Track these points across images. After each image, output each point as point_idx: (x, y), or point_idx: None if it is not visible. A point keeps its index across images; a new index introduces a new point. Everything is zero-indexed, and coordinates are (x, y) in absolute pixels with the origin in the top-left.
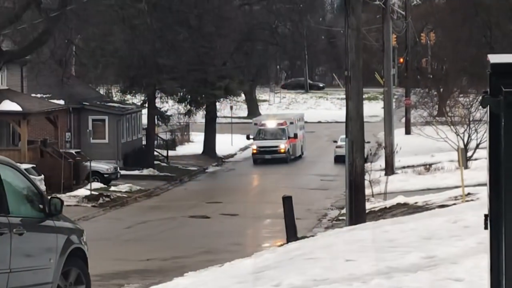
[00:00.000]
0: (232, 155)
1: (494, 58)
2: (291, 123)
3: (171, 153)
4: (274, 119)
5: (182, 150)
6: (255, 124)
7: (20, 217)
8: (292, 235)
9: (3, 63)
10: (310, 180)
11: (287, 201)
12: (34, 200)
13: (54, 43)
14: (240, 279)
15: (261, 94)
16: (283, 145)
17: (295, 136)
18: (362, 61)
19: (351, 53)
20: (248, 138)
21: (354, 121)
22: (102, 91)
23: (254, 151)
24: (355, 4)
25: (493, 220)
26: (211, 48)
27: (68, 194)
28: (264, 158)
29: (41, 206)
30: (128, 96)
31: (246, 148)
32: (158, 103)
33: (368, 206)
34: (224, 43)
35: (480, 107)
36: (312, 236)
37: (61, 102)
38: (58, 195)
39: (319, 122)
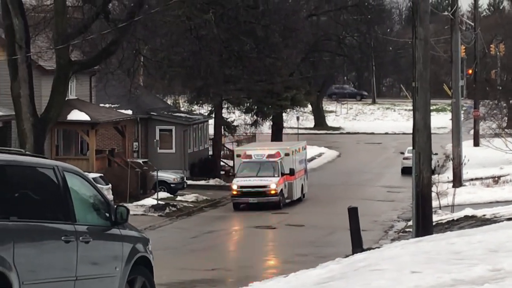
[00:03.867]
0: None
1: None
2: (287, 154)
3: None
4: (263, 149)
5: None
6: (238, 155)
7: (87, 225)
8: (357, 246)
9: (72, 73)
10: (377, 191)
11: (353, 212)
12: (101, 208)
13: (123, 54)
14: None
15: (328, 105)
16: (273, 184)
17: (291, 172)
18: (429, 72)
19: (419, 64)
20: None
21: (421, 132)
22: (169, 101)
23: (234, 193)
24: (423, 15)
25: None
26: (277, 59)
27: (135, 203)
28: (248, 201)
29: (107, 214)
30: (195, 107)
31: (312, 159)
32: (224, 114)
33: (435, 218)
34: (291, 54)
35: None
36: (378, 247)
37: (129, 112)
38: (125, 204)
39: (386, 133)
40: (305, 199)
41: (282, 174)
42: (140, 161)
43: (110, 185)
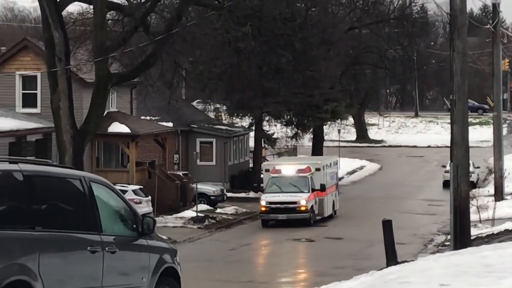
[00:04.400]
0: (339, 179)
1: None
2: (318, 169)
3: None
4: (293, 164)
5: None
6: (267, 170)
7: (113, 236)
8: (391, 259)
9: (111, 86)
10: (418, 204)
11: (387, 225)
12: (127, 219)
13: (162, 66)
14: None
15: (370, 118)
16: (304, 200)
17: (323, 188)
18: (467, 84)
19: (456, 77)
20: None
21: (459, 145)
22: (211, 115)
23: (263, 209)
24: (461, 28)
25: None
26: (316, 71)
27: (174, 215)
28: (278, 218)
29: (134, 225)
30: (237, 119)
31: (353, 171)
32: (266, 126)
33: (475, 232)
34: (330, 67)
35: None
36: (412, 260)
37: (170, 124)
38: (165, 216)
39: (429, 146)
40: (344, 212)
41: (313, 190)
42: (180, 173)
43: (149, 197)
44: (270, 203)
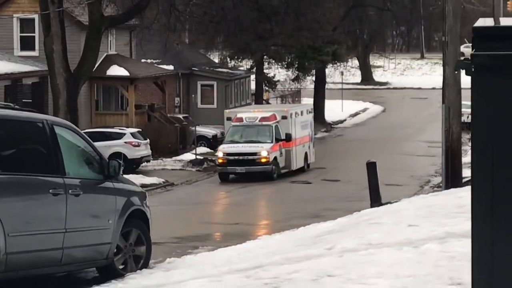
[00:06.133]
0: (341, 121)
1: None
2: (284, 117)
3: None
4: (257, 112)
5: None
6: (228, 119)
7: (78, 179)
8: (375, 200)
9: (105, 29)
10: (418, 146)
11: (371, 167)
12: (93, 162)
13: (158, 9)
14: (300, 243)
15: (376, 60)
16: (264, 151)
17: (288, 138)
18: (460, 26)
19: (449, 18)
20: None
21: (451, 87)
22: (216, 59)
23: (220, 161)
24: None
25: None
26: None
27: (174, 158)
28: (235, 171)
29: (100, 168)
30: (241, 62)
31: (356, 114)
32: (266, 69)
33: (469, 173)
34: (333, 9)
35: None
36: (396, 201)
37: (171, 67)
38: (164, 159)
39: (434, 88)
40: (344, 154)
41: (278, 140)
42: (181, 116)
43: (148, 140)
44: (228, 154)
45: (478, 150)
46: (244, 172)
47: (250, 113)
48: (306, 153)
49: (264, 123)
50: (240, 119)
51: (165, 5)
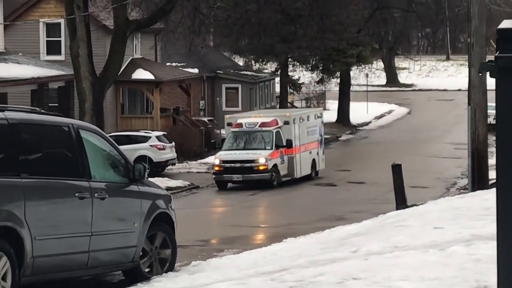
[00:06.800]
0: (366, 123)
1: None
2: (286, 123)
3: None
4: (258, 117)
5: None
6: (229, 124)
7: (103, 182)
8: (401, 202)
9: (130, 33)
10: (443, 148)
11: (396, 169)
12: (118, 165)
13: (183, 12)
14: (325, 246)
15: (401, 62)
16: (262, 158)
17: (289, 144)
18: (485, 27)
19: (474, 20)
20: None
21: (477, 88)
22: (240, 62)
23: (216, 169)
24: None
25: None
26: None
27: (199, 161)
28: (232, 179)
29: (125, 172)
30: (262, 65)
31: (381, 116)
32: (291, 72)
33: (495, 175)
34: (357, 10)
35: None
36: (422, 204)
37: (195, 71)
38: (189, 162)
39: (459, 90)
40: (369, 156)
41: (278, 147)
42: (206, 119)
43: (173, 143)
44: (225, 161)
45: (502, 151)
46: (241, 180)
47: (251, 119)
48: (314, 160)
49: (264, 128)
50: (240, 125)
51: (189, 9)
